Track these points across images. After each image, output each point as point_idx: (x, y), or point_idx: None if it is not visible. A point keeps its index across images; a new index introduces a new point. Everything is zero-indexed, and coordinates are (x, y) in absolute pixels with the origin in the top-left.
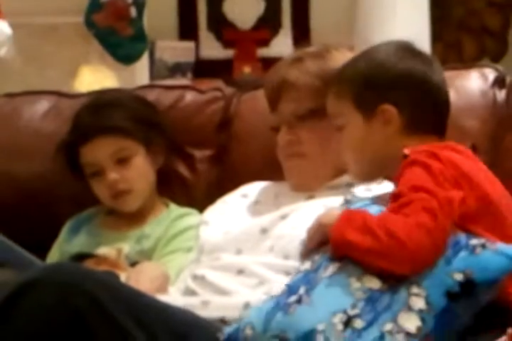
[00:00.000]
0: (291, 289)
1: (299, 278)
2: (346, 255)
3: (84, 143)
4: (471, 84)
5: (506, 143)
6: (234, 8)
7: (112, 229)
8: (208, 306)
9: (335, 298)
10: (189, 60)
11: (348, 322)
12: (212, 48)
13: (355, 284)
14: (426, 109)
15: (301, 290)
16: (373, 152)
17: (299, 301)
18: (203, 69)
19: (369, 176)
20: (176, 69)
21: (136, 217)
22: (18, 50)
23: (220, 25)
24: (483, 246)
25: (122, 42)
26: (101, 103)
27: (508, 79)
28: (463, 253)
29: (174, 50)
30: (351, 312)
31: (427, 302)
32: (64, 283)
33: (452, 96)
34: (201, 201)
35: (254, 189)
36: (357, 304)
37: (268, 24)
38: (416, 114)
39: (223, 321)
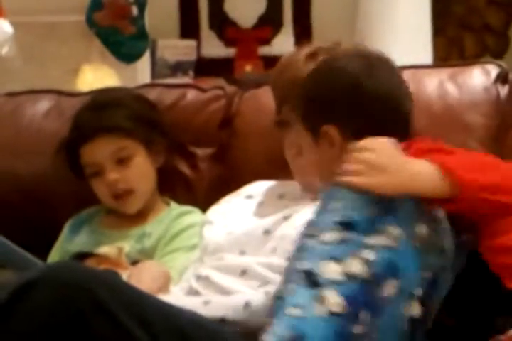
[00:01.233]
0: (350, 309)
1: (356, 291)
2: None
3: (84, 142)
4: (474, 81)
5: (509, 139)
6: (235, 6)
7: (113, 228)
8: (208, 305)
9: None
10: (191, 59)
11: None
12: (213, 47)
13: None
14: (370, 120)
15: (364, 317)
16: (327, 169)
17: (364, 336)
18: (204, 67)
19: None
20: (178, 67)
21: (137, 216)
22: (20, 49)
23: (222, 23)
24: None
25: (124, 41)
26: (101, 102)
27: (510, 76)
28: None
29: (176, 48)
30: None
31: None
32: (66, 283)
33: (455, 92)
34: (203, 199)
35: (258, 189)
36: None
37: (269, 22)
38: (361, 127)
39: (223, 321)
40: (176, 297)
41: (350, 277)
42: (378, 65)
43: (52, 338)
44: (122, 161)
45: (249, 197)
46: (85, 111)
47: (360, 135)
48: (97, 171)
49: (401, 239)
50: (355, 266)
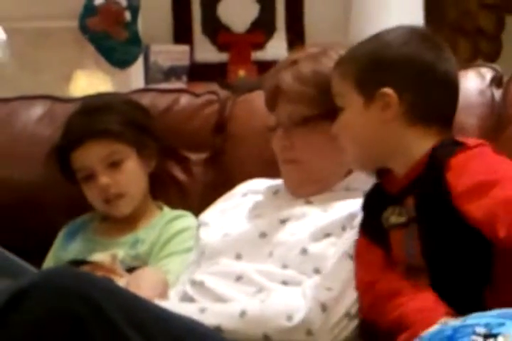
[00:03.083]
0: None
1: None
2: None
3: (75, 147)
4: (468, 84)
5: (503, 141)
6: (228, 11)
7: (106, 235)
8: (204, 313)
9: None
10: (184, 64)
11: None
12: (207, 52)
13: None
14: (429, 97)
15: None
16: (370, 139)
17: None
18: (197, 72)
19: (365, 164)
20: (171, 72)
21: (130, 222)
22: (13, 55)
23: (215, 28)
24: None
25: (117, 47)
26: (91, 107)
27: (504, 79)
28: None
29: (169, 53)
30: None
31: None
32: (61, 288)
33: None
34: (197, 204)
35: (254, 187)
36: None
37: (262, 27)
38: (418, 102)
39: (219, 329)
40: (172, 303)
41: None
42: (448, 55)
43: None
44: (113, 165)
45: (245, 195)
46: (76, 116)
47: (416, 109)
48: (88, 175)
49: None
50: None
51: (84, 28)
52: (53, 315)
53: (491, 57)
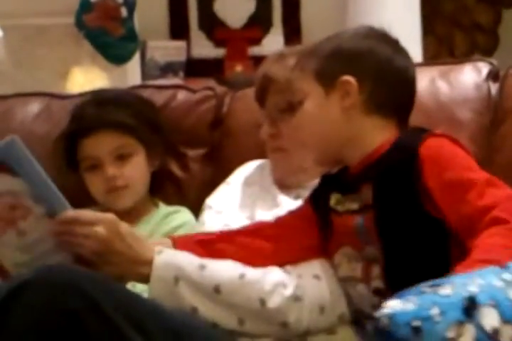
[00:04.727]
0: None
1: None
2: None
3: (86, 135)
4: (465, 78)
5: (500, 135)
6: (225, 7)
7: None
8: (204, 270)
9: None
10: (180, 60)
11: None
12: (203, 47)
13: None
14: (387, 88)
15: None
16: (329, 127)
17: None
18: (194, 68)
19: (323, 157)
20: (168, 68)
21: (126, 218)
22: (9, 52)
23: (211, 24)
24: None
25: (113, 43)
26: (106, 98)
27: (501, 73)
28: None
29: (165, 49)
30: None
31: None
32: (58, 284)
33: (447, 89)
34: (194, 200)
35: (256, 172)
36: None
37: (259, 23)
38: (377, 92)
39: (215, 326)
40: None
41: None
42: (405, 53)
43: (46, 338)
44: (121, 158)
45: (246, 180)
46: (89, 104)
47: (375, 98)
48: (94, 165)
49: None
50: None
51: (80, 25)
52: (50, 310)
53: (487, 51)
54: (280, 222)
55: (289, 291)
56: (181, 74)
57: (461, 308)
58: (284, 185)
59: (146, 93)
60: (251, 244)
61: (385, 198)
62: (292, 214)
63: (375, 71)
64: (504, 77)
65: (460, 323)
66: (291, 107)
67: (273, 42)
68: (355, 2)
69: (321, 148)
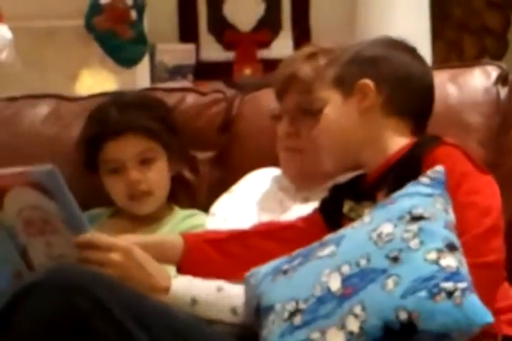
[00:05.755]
0: (293, 256)
1: (306, 249)
2: None
3: (112, 138)
4: (474, 82)
5: (509, 139)
6: (234, 10)
7: (116, 233)
8: (221, 292)
9: (301, 284)
10: (190, 63)
11: (292, 315)
12: (212, 50)
13: (323, 278)
14: (405, 93)
15: (295, 262)
16: (347, 131)
17: (285, 272)
18: (203, 71)
19: (345, 164)
20: (177, 71)
21: (141, 221)
22: (19, 54)
23: (221, 27)
24: (450, 293)
25: (123, 45)
26: (128, 101)
27: (510, 77)
28: (422, 294)
29: (175, 52)
30: (300, 306)
31: (361, 328)
32: (67, 285)
33: (456, 93)
34: (203, 203)
35: (261, 179)
36: (309, 299)
37: (268, 26)
38: (395, 95)
39: (213, 322)
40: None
41: None
42: (423, 60)
43: (55, 340)
44: (145, 162)
45: (253, 185)
46: (113, 107)
47: (393, 102)
48: (117, 168)
49: None
50: None
51: (90, 27)
52: (58, 312)
53: (496, 55)
54: (291, 225)
55: None
56: (190, 77)
57: None
58: (295, 184)
59: (155, 96)
60: (262, 246)
61: None
62: (303, 220)
63: (393, 76)
64: None
65: None
66: (314, 110)
67: (282, 45)
68: (365, 5)
69: (340, 152)
